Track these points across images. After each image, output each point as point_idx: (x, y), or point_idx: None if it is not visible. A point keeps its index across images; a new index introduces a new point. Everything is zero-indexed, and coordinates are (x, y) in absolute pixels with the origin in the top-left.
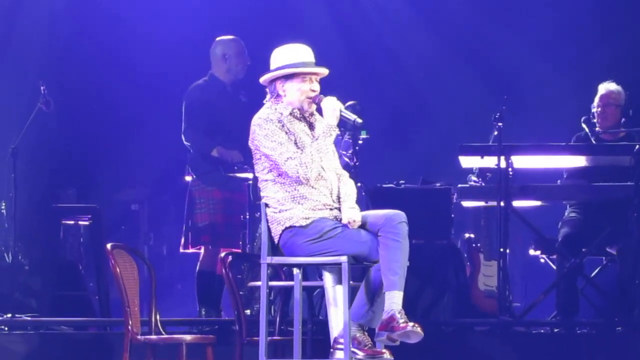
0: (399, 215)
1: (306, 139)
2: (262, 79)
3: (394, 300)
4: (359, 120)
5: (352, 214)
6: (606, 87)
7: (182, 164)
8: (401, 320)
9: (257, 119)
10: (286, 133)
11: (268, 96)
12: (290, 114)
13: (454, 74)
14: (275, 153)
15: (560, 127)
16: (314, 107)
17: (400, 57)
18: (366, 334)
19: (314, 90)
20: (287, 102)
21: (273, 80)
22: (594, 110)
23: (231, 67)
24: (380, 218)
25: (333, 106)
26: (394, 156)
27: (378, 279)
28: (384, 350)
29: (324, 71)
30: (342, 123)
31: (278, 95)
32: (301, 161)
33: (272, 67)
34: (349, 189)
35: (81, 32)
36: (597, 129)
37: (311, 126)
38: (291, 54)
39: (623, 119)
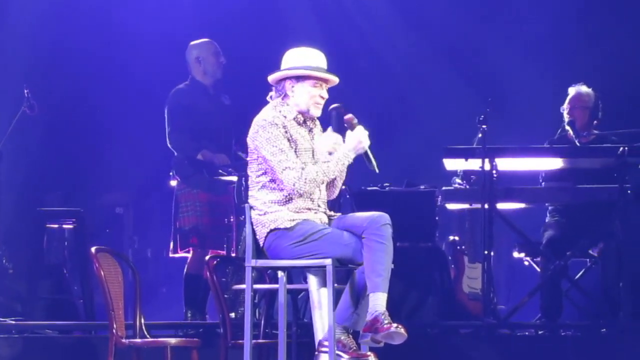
0: (383, 217)
1: (306, 145)
2: (272, 77)
3: (377, 302)
4: (377, 170)
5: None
6: (576, 89)
7: (166, 167)
8: (385, 322)
9: (262, 120)
10: (288, 140)
11: (273, 94)
12: (294, 118)
13: (439, 76)
14: (274, 159)
15: (544, 130)
16: (320, 111)
17: (384, 59)
18: (350, 336)
19: (322, 97)
20: (294, 103)
21: (282, 80)
22: (563, 112)
23: (207, 68)
24: (364, 220)
25: (362, 141)
26: (378, 159)
27: (362, 282)
28: (368, 353)
29: (336, 79)
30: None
31: (285, 95)
32: (302, 176)
33: (283, 66)
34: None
35: (65, 36)
36: (567, 129)
37: (310, 131)
38: (306, 57)
39: (595, 122)
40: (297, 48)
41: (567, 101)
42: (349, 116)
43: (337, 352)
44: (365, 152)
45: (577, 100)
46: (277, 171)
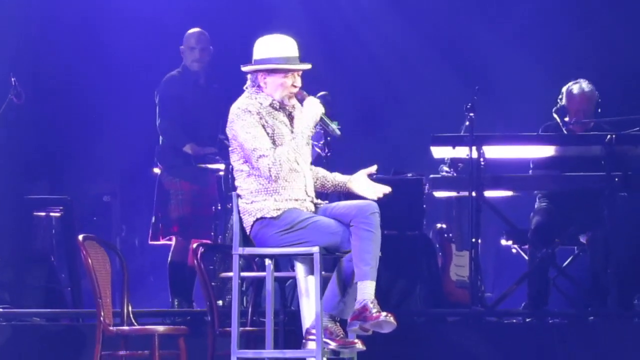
0: (371, 205)
1: (284, 130)
2: (245, 69)
3: (366, 290)
4: (337, 132)
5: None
6: (582, 87)
7: (151, 155)
8: (374, 310)
9: (236, 109)
10: (264, 126)
11: (249, 82)
12: (270, 104)
13: (426, 64)
14: (249, 147)
15: (533, 118)
16: (294, 101)
17: (372, 47)
18: (338, 324)
19: (295, 86)
20: (268, 94)
21: (255, 71)
22: (562, 104)
23: (194, 56)
24: (352, 208)
25: (315, 110)
26: (365, 147)
27: (349, 270)
28: (356, 340)
29: (306, 67)
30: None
31: (259, 86)
32: (274, 159)
33: (255, 56)
34: (325, 171)
35: (52, 24)
36: (566, 119)
37: (290, 116)
38: (275, 47)
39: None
40: (267, 37)
41: (573, 98)
42: (299, 93)
43: (324, 339)
44: (322, 119)
45: (587, 100)
46: (252, 159)
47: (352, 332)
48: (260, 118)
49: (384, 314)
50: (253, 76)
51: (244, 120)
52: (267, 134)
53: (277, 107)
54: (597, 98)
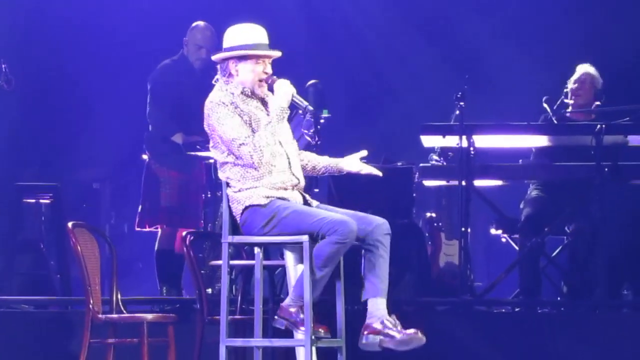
0: (386, 224)
1: (261, 115)
2: (215, 57)
3: (381, 307)
4: (310, 108)
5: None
6: (585, 68)
7: (140, 142)
8: (398, 327)
9: (209, 103)
10: (240, 115)
11: (219, 74)
12: (242, 92)
13: (417, 52)
14: (228, 138)
15: (525, 107)
16: (265, 88)
17: (362, 36)
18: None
19: (266, 73)
20: (239, 82)
21: (226, 59)
22: (567, 89)
23: (200, 55)
24: (367, 223)
25: (285, 90)
26: (355, 135)
27: (315, 253)
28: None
29: (277, 54)
30: (293, 106)
31: (230, 75)
32: (254, 146)
33: (225, 45)
34: (315, 155)
35: (42, 9)
36: (569, 109)
37: (264, 101)
38: (245, 35)
39: (597, 103)
40: (237, 25)
41: (575, 77)
42: (268, 78)
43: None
44: (294, 100)
45: (586, 78)
46: (233, 149)
47: (365, 346)
48: (235, 107)
49: (413, 332)
50: (224, 65)
51: (219, 113)
52: (245, 121)
53: (249, 94)
54: (600, 85)
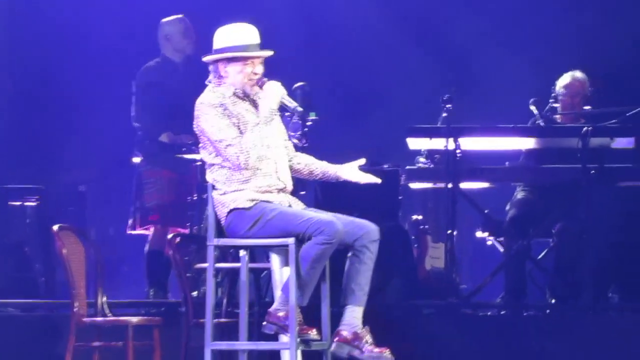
0: (376, 231)
1: (250, 117)
2: (205, 59)
3: (357, 316)
4: (299, 109)
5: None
6: (574, 75)
7: (130, 144)
8: (370, 341)
9: (199, 104)
10: (228, 117)
11: (211, 76)
12: (234, 94)
13: (404, 54)
14: (216, 139)
15: (514, 109)
16: (257, 89)
17: (350, 37)
18: (299, 311)
19: (256, 74)
20: (230, 83)
21: (216, 61)
22: (557, 95)
23: (176, 45)
24: (359, 227)
25: (275, 91)
26: (342, 137)
27: (302, 255)
28: (312, 329)
29: (266, 54)
30: (282, 108)
31: (220, 76)
32: (241, 147)
33: (215, 46)
34: (313, 159)
35: (27, 8)
36: (558, 115)
37: (255, 104)
38: (235, 35)
39: (589, 107)
40: (227, 26)
41: (564, 88)
42: (259, 80)
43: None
44: (283, 100)
45: (578, 88)
46: (220, 151)
47: (333, 353)
48: (224, 109)
49: (380, 350)
50: (214, 67)
51: (208, 114)
52: (233, 123)
53: (241, 95)
54: (587, 90)
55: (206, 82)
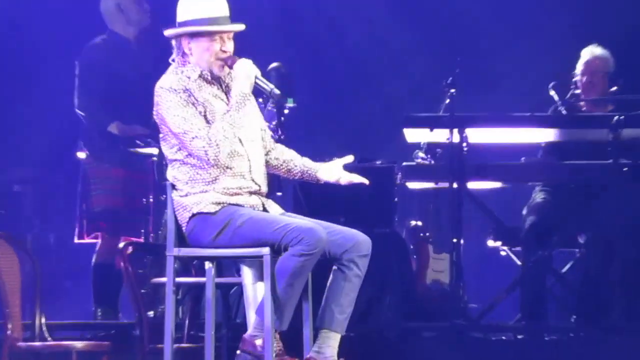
0: (367, 243)
1: (219, 105)
2: (167, 33)
3: (333, 344)
4: (277, 92)
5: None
6: (592, 51)
7: (74, 136)
8: None
9: (159, 88)
10: (193, 104)
11: (175, 53)
12: (200, 76)
13: (400, 33)
14: (179, 130)
15: (527, 96)
16: (227, 70)
17: (336, 11)
18: (277, 337)
19: (224, 51)
20: (195, 62)
21: (179, 36)
22: (576, 79)
23: (130, 16)
24: (347, 238)
25: (247, 72)
26: (326, 128)
27: (278, 270)
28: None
29: (237, 28)
30: (258, 91)
31: (184, 54)
32: (210, 140)
33: (178, 19)
34: (293, 154)
35: None
36: (582, 103)
37: (227, 88)
38: (200, 7)
39: (615, 88)
40: None
41: (581, 66)
42: (228, 59)
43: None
44: (257, 81)
45: (595, 65)
46: (185, 143)
47: None
48: (189, 95)
49: None
50: (177, 42)
51: (170, 101)
52: (199, 112)
53: (209, 78)
54: (612, 66)
55: (170, 60)
